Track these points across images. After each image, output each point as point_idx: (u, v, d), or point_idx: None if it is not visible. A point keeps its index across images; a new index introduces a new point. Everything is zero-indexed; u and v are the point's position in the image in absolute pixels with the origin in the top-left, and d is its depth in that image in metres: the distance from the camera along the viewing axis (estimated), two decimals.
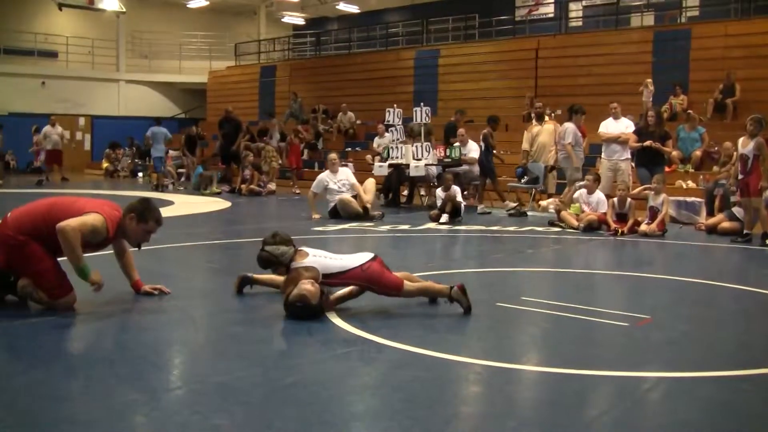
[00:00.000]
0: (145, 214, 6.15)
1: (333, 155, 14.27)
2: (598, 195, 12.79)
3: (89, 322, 5.93)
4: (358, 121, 26.39)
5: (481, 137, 16.15)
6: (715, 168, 15.36)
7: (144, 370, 4.73)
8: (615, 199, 12.46)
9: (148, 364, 4.94)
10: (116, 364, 4.90)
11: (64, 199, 6.25)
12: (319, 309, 5.96)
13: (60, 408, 3.97)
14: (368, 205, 13.72)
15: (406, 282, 6.34)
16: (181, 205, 16.89)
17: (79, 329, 5.75)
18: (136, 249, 6.49)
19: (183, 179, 23.05)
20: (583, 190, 12.91)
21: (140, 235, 6.24)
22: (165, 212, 14.68)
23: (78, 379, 4.61)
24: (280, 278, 6.63)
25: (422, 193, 17.78)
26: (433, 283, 6.46)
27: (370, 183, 14.49)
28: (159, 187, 22.22)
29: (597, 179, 13.09)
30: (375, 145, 20.53)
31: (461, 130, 17.08)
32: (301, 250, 6.24)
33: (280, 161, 22.14)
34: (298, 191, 19.53)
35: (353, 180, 14.10)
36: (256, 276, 6.86)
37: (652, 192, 12.26)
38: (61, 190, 20.42)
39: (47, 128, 24.45)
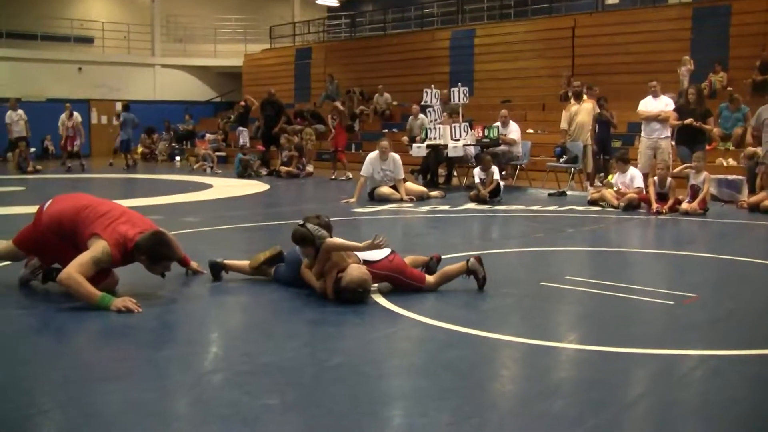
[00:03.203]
0: (155, 256, 5.94)
1: (384, 143, 14.02)
2: (631, 172, 12.68)
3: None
4: (395, 102, 26.33)
5: (598, 118, 15.78)
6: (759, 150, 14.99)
7: (192, 352, 4.79)
8: (655, 178, 12.36)
9: (196, 345, 5.00)
10: (164, 346, 4.96)
11: (94, 210, 6.09)
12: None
13: (111, 389, 4.02)
14: (405, 197, 13.63)
15: (427, 276, 6.43)
16: (219, 188, 16.99)
17: (125, 313, 5.80)
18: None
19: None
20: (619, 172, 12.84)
21: (157, 271, 6.13)
22: (204, 196, 14.96)
23: (127, 360, 4.66)
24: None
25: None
26: (448, 267, 6.50)
27: (414, 187, 14.40)
28: (128, 167, 23.75)
29: (622, 158, 12.95)
30: (407, 126, 20.49)
31: (504, 111, 17.02)
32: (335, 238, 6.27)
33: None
34: (333, 176, 19.29)
35: (399, 173, 13.90)
36: (226, 261, 6.85)
37: (693, 170, 12.16)
38: (99, 175, 20.62)
39: (64, 115, 24.68)
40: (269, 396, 3.91)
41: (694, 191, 11.99)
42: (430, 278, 6.40)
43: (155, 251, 5.91)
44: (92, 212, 6.02)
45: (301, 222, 6.16)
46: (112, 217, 6.00)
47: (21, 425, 3.58)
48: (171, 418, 3.71)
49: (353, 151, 21.97)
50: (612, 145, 16.86)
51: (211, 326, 5.52)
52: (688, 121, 13.17)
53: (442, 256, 7.15)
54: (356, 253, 6.16)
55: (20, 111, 23.08)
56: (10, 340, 5.05)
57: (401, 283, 6.27)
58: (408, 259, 6.59)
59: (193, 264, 6.95)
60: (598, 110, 15.87)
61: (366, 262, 6.12)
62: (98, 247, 5.78)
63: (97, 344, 5.07)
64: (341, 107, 22.96)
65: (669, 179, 12.21)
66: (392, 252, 6.35)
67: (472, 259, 6.33)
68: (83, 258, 5.74)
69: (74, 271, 5.68)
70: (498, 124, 16.63)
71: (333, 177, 19.10)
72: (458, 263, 6.42)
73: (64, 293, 5.91)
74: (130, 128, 24.61)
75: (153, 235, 5.94)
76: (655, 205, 11.88)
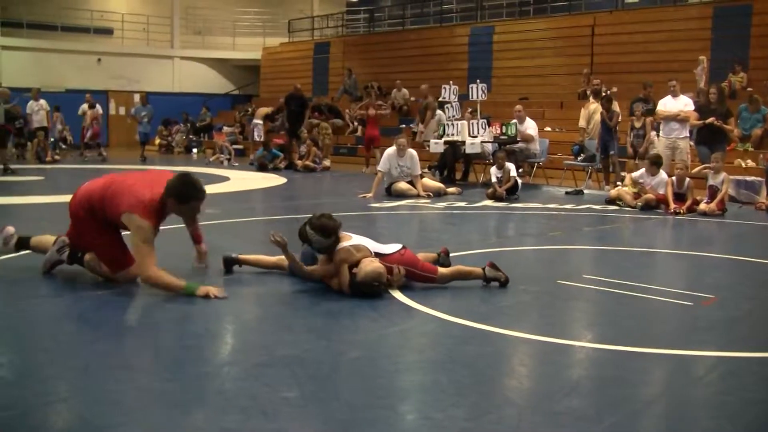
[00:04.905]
0: (184, 195, 6.07)
1: (402, 140, 14.06)
2: (661, 176, 12.54)
3: (154, 295, 6.01)
4: (412, 98, 26.29)
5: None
6: None
7: (211, 343, 4.83)
8: (673, 178, 12.31)
9: (215, 336, 5.03)
10: (183, 337, 4.98)
11: (119, 181, 6.25)
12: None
13: (130, 378, 4.06)
14: (422, 193, 13.64)
15: (440, 268, 6.42)
16: (237, 181, 17.03)
17: (145, 302, 5.85)
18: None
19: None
20: (643, 170, 12.73)
21: (189, 212, 6.30)
22: (221, 188, 15.00)
23: (147, 350, 4.70)
24: (266, 258, 6.81)
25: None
26: (465, 267, 6.52)
27: (431, 183, 14.41)
28: (143, 157, 23.94)
29: (655, 162, 12.84)
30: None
31: (518, 107, 17.00)
32: (343, 233, 6.26)
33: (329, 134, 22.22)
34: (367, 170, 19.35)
35: (416, 169, 13.91)
36: (241, 257, 6.82)
37: (712, 171, 12.11)
38: (117, 166, 20.69)
39: (84, 106, 24.79)
40: (288, 388, 3.93)
41: (713, 192, 11.95)
42: (443, 270, 6.40)
43: (181, 191, 6.04)
44: (118, 187, 6.12)
45: (307, 221, 6.15)
46: (136, 187, 6.08)
47: (40, 412, 3.61)
48: (190, 409, 3.72)
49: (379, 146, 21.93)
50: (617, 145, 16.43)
51: (229, 318, 5.54)
52: (710, 120, 13.11)
53: (459, 253, 7.16)
54: (368, 246, 6.17)
55: (42, 101, 23.17)
56: (31, 328, 5.09)
57: (414, 276, 6.27)
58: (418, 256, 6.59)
59: (203, 246, 6.91)
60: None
61: (378, 255, 6.15)
62: (135, 226, 5.89)
63: (117, 333, 5.09)
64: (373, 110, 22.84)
65: (687, 179, 12.16)
66: (403, 247, 6.37)
67: (487, 268, 6.34)
68: (139, 248, 5.88)
69: (147, 265, 5.83)
70: (515, 120, 16.60)
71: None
72: (475, 267, 6.43)
73: (85, 281, 5.96)
74: (146, 121, 24.83)
75: (179, 176, 6.11)
76: (672, 205, 11.84)
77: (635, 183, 12.74)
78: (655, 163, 12.70)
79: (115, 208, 5.99)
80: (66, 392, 3.92)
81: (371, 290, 5.87)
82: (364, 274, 5.87)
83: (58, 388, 3.96)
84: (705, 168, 12.52)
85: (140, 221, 5.87)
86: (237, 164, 22.20)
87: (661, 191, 12.30)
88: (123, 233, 6.26)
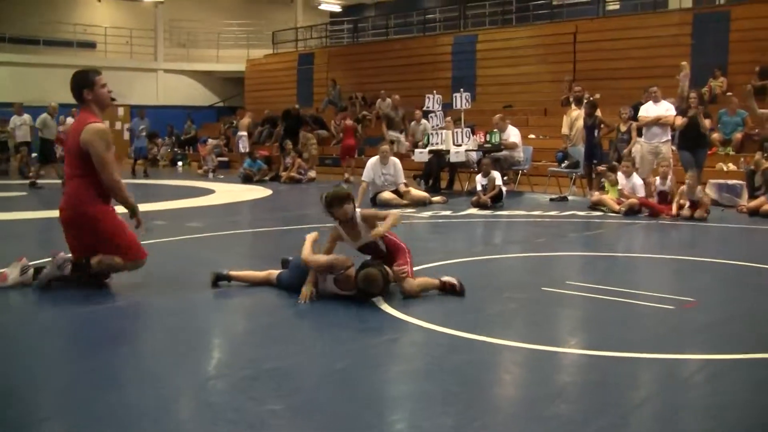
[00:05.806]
0: (86, 80, 6.69)
1: (385, 147, 14.17)
2: (634, 179, 12.70)
3: (140, 308, 6.04)
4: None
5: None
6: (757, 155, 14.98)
7: (197, 357, 4.82)
8: (657, 178, 12.44)
9: (201, 350, 5.03)
10: (169, 351, 4.98)
11: (67, 146, 6.71)
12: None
13: (114, 395, 4.03)
14: (406, 202, 13.71)
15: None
16: (222, 193, 17.02)
17: (131, 316, 5.85)
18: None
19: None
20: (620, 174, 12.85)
21: (103, 95, 6.71)
22: (206, 201, 15.00)
23: (131, 367, 4.66)
24: (256, 274, 6.79)
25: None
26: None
27: (416, 192, 14.48)
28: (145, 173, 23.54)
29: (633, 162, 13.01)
30: (410, 131, 20.62)
31: (496, 117, 17.06)
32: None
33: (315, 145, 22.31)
34: (351, 178, 19.49)
35: (400, 177, 14.03)
36: (231, 273, 6.78)
37: (687, 188, 12.08)
38: None
39: (68, 119, 24.75)
40: (274, 401, 3.94)
41: (693, 202, 11.95)
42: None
43: (85, 79, 6.74)
44: (69, 144, 6.58)
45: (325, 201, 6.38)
46: (73, 130, 6.59)
47: None
48: (177, 424, 3.74)
49: (356, 156, 22.00)
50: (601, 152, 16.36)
51: (215, 331, 5.55)
52: (692, 112, 13.10)
53: (444, 262, 7.20)
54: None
55: (25, 116, 23.05)
56: (13, 346, 5.07)
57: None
58: None
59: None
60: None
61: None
62: (95, 133, 6.40)
63: (101, 350, 5.08)
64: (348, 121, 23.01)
65: (670, 176, 12.28)
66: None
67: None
68: (104, 156, 6.36)
69: (113, 171, 6.42)
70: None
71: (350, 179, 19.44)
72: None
73: (72, 296, 5.96)
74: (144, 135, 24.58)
75: (71, 79, 6.81)
76: (653, 206, 12.00)
77: (611, 178, 12.89)
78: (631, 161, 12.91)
79: (81, 147, 6.37)
80: (49, 411, 3.91)
81: (375, 278, 5.97)
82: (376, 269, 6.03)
83: (41, 407, 3.94)
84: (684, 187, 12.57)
85: (94, 126, 6.40)
86: (222, 176, 22.18)
87: (639, 194, 12.42)
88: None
